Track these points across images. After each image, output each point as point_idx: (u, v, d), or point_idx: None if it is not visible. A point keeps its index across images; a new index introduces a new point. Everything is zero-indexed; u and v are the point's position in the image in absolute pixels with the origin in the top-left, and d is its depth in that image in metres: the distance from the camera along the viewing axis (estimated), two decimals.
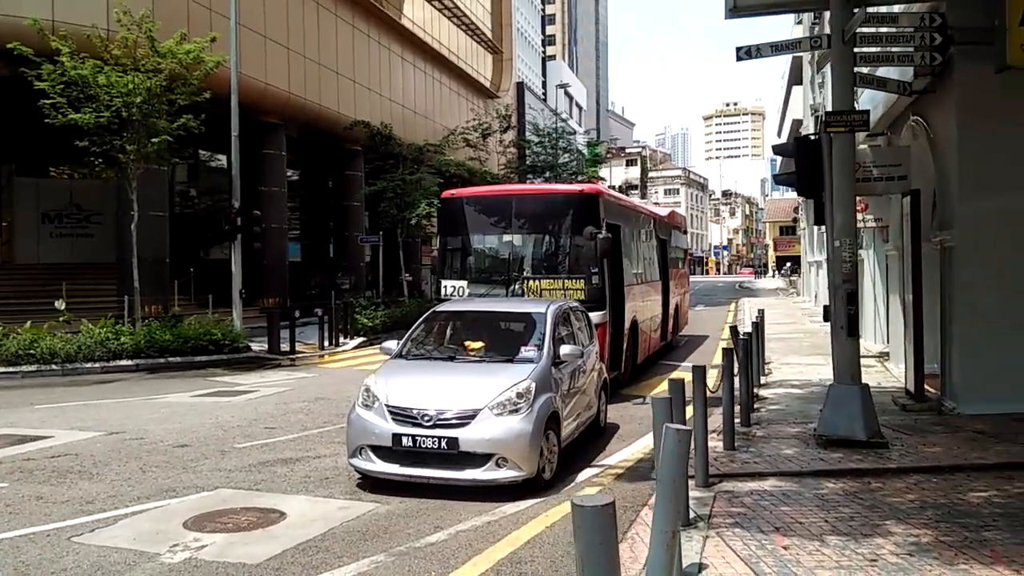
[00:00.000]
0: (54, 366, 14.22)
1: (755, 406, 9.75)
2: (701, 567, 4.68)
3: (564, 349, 7.45)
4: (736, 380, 8.40)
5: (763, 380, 12.20)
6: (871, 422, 7.90)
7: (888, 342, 14.97)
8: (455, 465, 6.34)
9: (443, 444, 6.31)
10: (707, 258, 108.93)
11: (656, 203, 23.82)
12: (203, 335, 16.11)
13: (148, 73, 15.72)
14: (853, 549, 4.99)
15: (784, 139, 42.26)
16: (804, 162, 9.05)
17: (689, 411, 10.13)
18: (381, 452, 6.51)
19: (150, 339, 15.43)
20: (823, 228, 10.10)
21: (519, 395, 6.55)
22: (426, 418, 6.42)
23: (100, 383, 13.33)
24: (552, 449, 6.80)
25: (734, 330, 10.79)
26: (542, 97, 56.78)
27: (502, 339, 8.02)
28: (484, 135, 31.82)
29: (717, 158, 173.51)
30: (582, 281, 10.93)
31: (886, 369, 13.55)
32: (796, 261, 65.01)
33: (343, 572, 4.80)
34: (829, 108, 22.84)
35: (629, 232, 13.36)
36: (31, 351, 14.24)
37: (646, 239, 15.21)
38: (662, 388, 12.60)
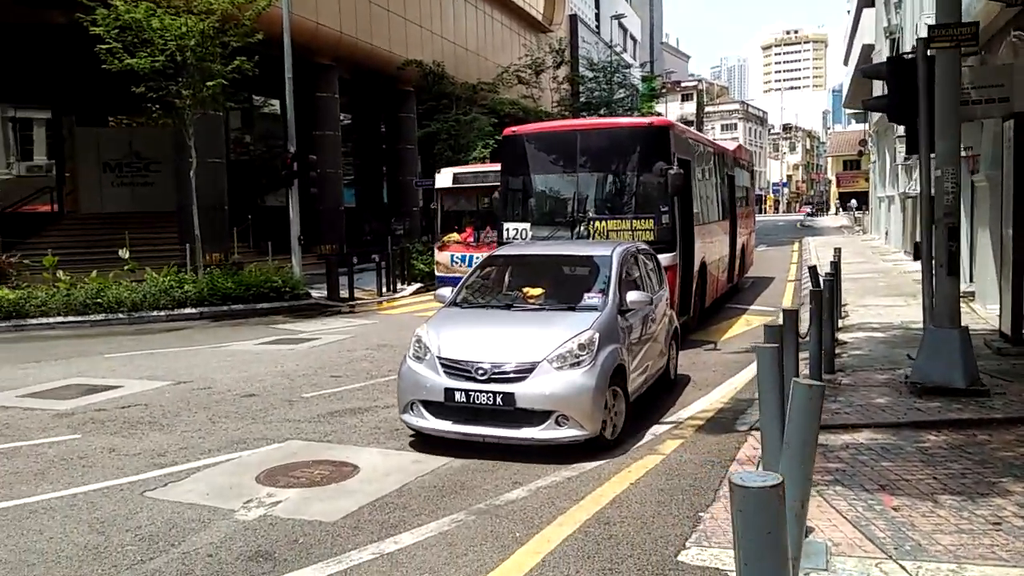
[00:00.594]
0: (120, 315, 14.41)
1: (837, 351, 9.21)
2: (807, 530, 4.31)
3: (631, 296, 6.85)
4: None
5: (841, 323, 11.59)
6: (971, 368, 7.34)
7: (972, 281, 14.11)
8: (511, 422, 5.88)
9: (498, 400, 5.85)
10: (766, 196, 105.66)
11: (715, 139, 22.76)
12: (264, 283, 16.13)
13: (201, 15, 15.44)
14: (971, 511, 4.56)
15: (852, 66, 40.05)
16: (897, 84, 8.31)
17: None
18: (433, 407, 6.10)
19: (212, 287, 15.52)
20: (914, 157, 9.35)
21: (581, 346, 6.02)
22: (480, 372, 5.95)
23: (166, 331, 13.47)
24: (618, 405, 6.29)
25: (813, 270, 10.18)
26: (595, 30, 54.84)
27: (564, 285, 7.44)
28: (537, 72, 30.91)
29: (777, 90, 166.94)
30: (651, 221, 10.41)
31: (972, 310, 12.75)
32: (861, 197, 62.62)
33: (424, 531, 4.58)
34: (908, 29, 21.46)
35: (699, 169, 12.70)
36: (98, 300, 14.45)
37: (715, 176, 14.50)
38: (732, 332, 12.15)
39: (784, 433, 2.95)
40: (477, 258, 15.63)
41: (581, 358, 5.95)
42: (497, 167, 16.19)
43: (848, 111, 58.30)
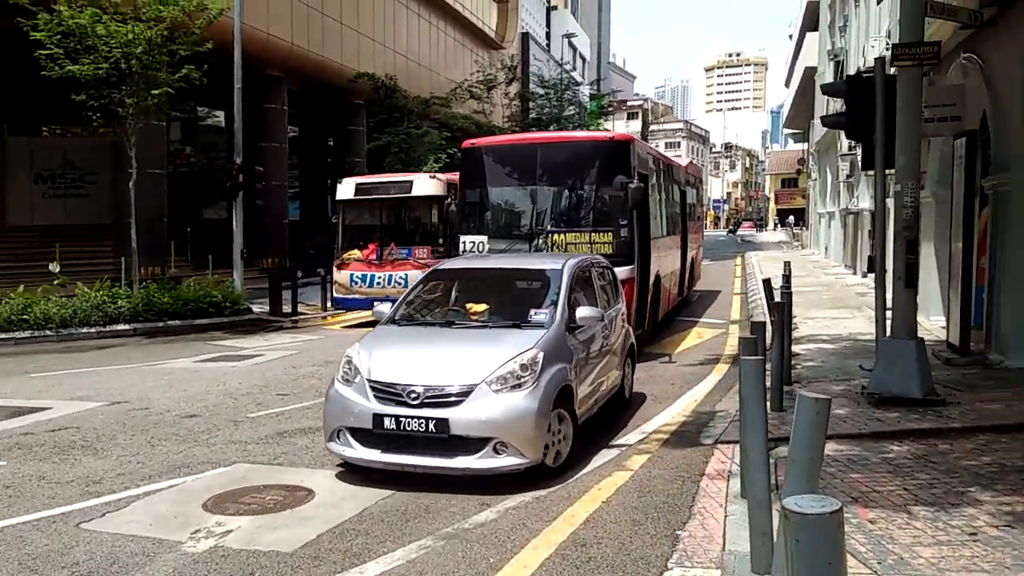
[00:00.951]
0: (48, 332, 13.64)
1: (791, 363, 9.23)
2: None
3: (582, 312, 6.39)
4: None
5: (792, 335, 11.68)
6: (927, 378, 7.44)
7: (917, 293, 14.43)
8: (446, 451, 5.37)
9: (431, 426, 5.33)
10: (707, 212, 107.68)
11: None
12: (203, 297, 15.55)
13: (149, 22, 14.90)
14: (946, 521, 4.51)
15: (793, 88, 41.18)
16: (856, 102, 8.45)
17: (718, 370, 9.84)
18: (361, 435, 5.58)
19: (148, 302, 14.84)
20: (870, 173, 9.51)
21: (523, 367, 5.53)
22: (412, 396, 5.44)
23: (98, 348, 12.80)
24: (564, 430, 5.80)
25: (767, 283, 10.22)
26: (546, 48, 55.30)
27: (511, 301, 6.95)
28: (489, 87, 30.92)
29: (719, 110, 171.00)
30: (610, 234, 10.34)
31: (917, 321, 13.01)
32: (798, 214, 64.27)
33: (390, 560, 4.30)
34: (853, 52, 22.09)
35: (656, 183, 12.73)
36: (24, 316, 13.63)
37: (668, 191, 14.57)
38: (685, 345, 12.16)
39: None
40: (379, 278, 14.83)
41: (523, 380, 5.50)
42: (404, 176, 15.61)
43: (787, 131, 59.96)
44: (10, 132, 25.26)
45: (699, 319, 15.13)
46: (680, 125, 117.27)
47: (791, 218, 66.05)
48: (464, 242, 10.96)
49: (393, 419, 5.44)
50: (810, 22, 35.04)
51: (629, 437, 6.87)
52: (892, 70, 7.61)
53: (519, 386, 5.47)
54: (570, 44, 59.86)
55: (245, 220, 18.04)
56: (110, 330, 14.11)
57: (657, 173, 13.18)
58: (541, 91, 37.57)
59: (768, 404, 7.15)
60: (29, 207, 24.48)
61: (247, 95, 18.39)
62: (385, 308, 6.97)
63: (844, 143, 23.10)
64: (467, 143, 11.73)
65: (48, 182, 24.87)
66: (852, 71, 19.79)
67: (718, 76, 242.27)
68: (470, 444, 5.35)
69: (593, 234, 10.42)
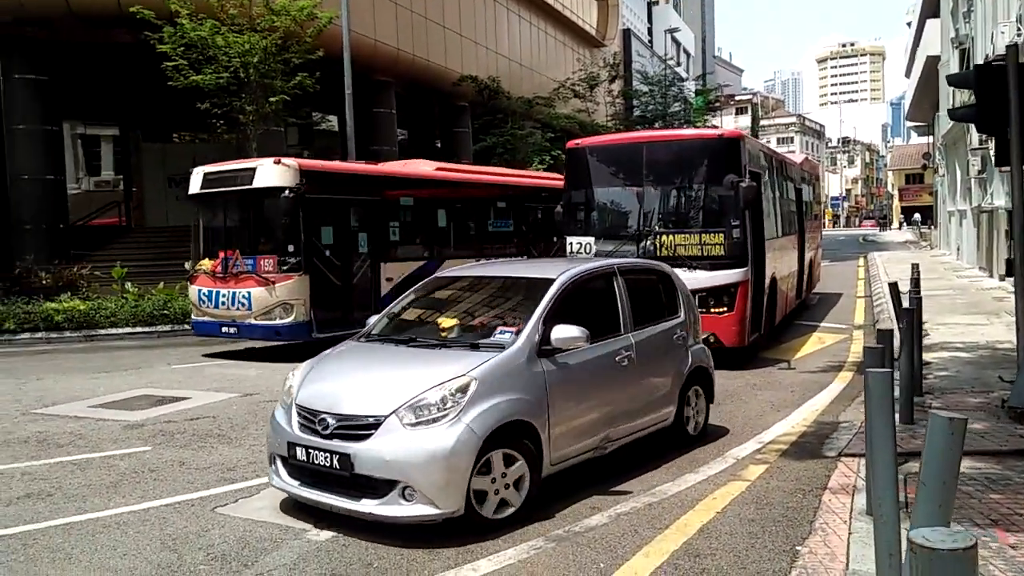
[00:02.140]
0: (186, 326, 14.57)
1: (923, 373, 8.73)
2: None
3: (559, 332, 5.19)
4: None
5: (923, 343, 11.04)
6: None
7: None
8: (352, 491, 4.68)
9: (335, 462, 4.67)
10: (825, 209, 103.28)
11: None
12: None
13: (263, 32, 15.74)
14: None
15: (914, 78, 38.87)
16: (987, 93, 7.86)
17: (841, 378, 9.40)
18: (287, 464, 5.00)
19: None
20: (1004, 169, 8.83)
21: (445, 398, 4.66)
22: (323, 425, 4.80)
23: (231, 342, 13.54)
24: (511, 475, 4.82)
25: (894, 287, 9.69)
26: (649, 44, 54.48)
27: (489, 315, 5.95)
28: (591, 86, 30.75)
29: (834, 103, 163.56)
30: (721, 235, 10.07)
31: None
32: (924, 211, 60.64)
33: (502, 559, 4.36)
34: (980, 38, 20.64)
35: (768, 181, 12.30)
36: (165, 311, 14.71)
37: (783, 189, 14.05)
38: (805, 351, 11.68)
39: (920, 470, 2.65)
40: (224, 296, 11.73)
41: (445, 412, 4.63)
42: (249, 163, 12.24)
43: (910, 124, 56.69)
44: (144, 139, 27.19)
45: (820, 323, 14.54)
46: (793, 119, 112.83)
47: (916, 215, 62.38)
48: (571, 243, 10.94)
49: (304, 449, 4.83)
50: (930, 8, 32.97)
51: (746, 447, 6.67)
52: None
53: (437, 420, 4.62)
54: (673, 39, 58.60)
55: None
56: None
57: (770, 170, 12.74)
58: (645, 88, 37.02)
59: (897, 416, 6.84)
60: (164, 209, 26.22)
61: (357, 100, 19.03)
62: (375, 319, 6.20)
63: (974, 136, 21.61)
64: (571, 143, 11.69)
65: (180, 185, 26.54)
66: (979, 60, 18.48)
67: (831, 67, 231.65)
68: (377, 486, 4.60)
69: (703, 235, 10.18)
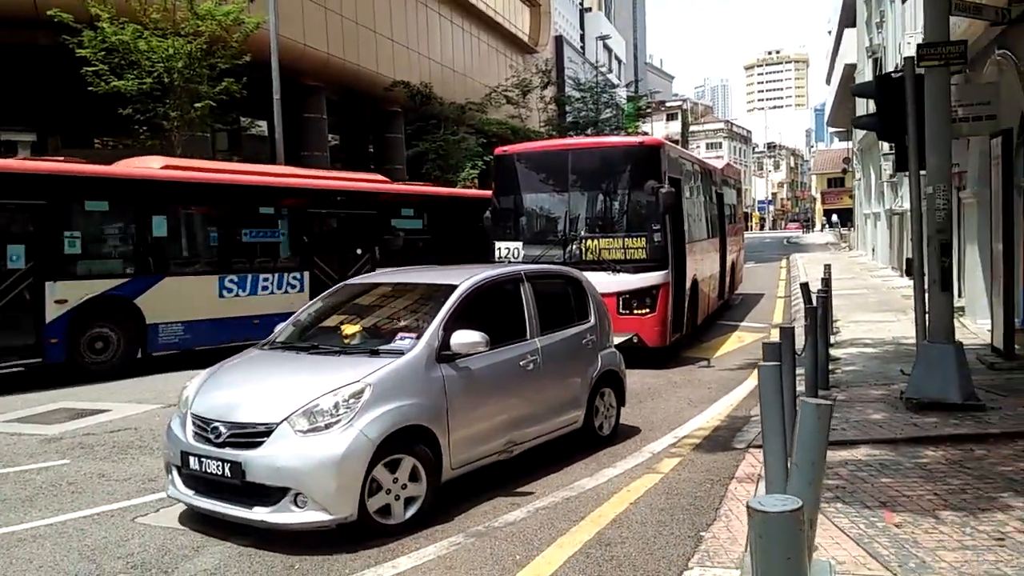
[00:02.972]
0: None
1: (830, 368, 9.23)
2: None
3: (458, 338, 5.26)
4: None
5: (833, 339, 11.63)
6: (966, 383, 7.34)
7: (962, 296, 14.21)
8: (244, 499, 4.70)
9: (227, 470, 4.67)
10: (752, 213, 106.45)
11: (700, 157, 22.81)
12: None
13: (188, 37, 15.51)
14: (974, 527, 4.53)
15: (834, 85, 40.55)
16: (886, 102, 8.41)
17: (750, 378, 9.85)
18: (181, 473, 5.02)
19: None
20: (902, 175, 9.46)
21: (338, 404, 4.69)
22: (215, 433, 4.81)
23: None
24: (400, 479, 4.84)
25: (805, 287, 10.21)
26: (581, 51, 55.36)
27: (391, 322, 6.07)
28: (524, 92, 31.13)
29: (760, 109, 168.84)
30: (643, 239, 10.44)
31: (963, 325, 12.81)
32: (845, 214, 63.17)
33: (422, 555, 4.50)
34: (891, 48, 21.76)
35: (688, 186, 12.76)
36: None
37: (704, 194, 14.57)
38: (725, 349, 12.16)
39: (791, 452, 2.91)
40: None
41: (337, 419, 4.66)
42: None
43: (832, 129, 58.99)
44: (64, 145, 26.29)
45: (740, 323, 15.11)
46: (721, 125, 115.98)
47: (834, 218, 64.88)
48: (499, 248, 11.15)
49: (197, 458, 4.83)
50: (848, 18, 34.53)
51: (662, 441, 6.97)
52: (920, 70, 7.57)
53: (329, 426, 4.64)
54: (605, 46, 59.77)
55: None
56: None
57: (691, 176, 13.22)
58: (577, 94, 37.62)
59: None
60: None
61: (287, 105, 18.90)
62: (280, 326, 6.23)
63: (885, 143, 22.72)
64: (499, 150, 11.94)
65: None
66: (890, 68, 19.49)
67: (758, 74, 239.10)
68: (269, 493, 4.63)
69: (626, 239, 10.53)
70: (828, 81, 47.88)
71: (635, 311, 10.32)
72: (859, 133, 33.25)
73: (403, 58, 29.52)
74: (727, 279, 16.61)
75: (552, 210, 11.31)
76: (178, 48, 15.31)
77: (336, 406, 4.71)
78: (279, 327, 6.22)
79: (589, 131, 34.98)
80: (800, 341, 8.07)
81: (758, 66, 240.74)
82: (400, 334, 5.49)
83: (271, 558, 4.52)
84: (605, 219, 11.05)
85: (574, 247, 10.70)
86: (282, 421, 4.68)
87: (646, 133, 46.97)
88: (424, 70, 30.38)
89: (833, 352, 10.58)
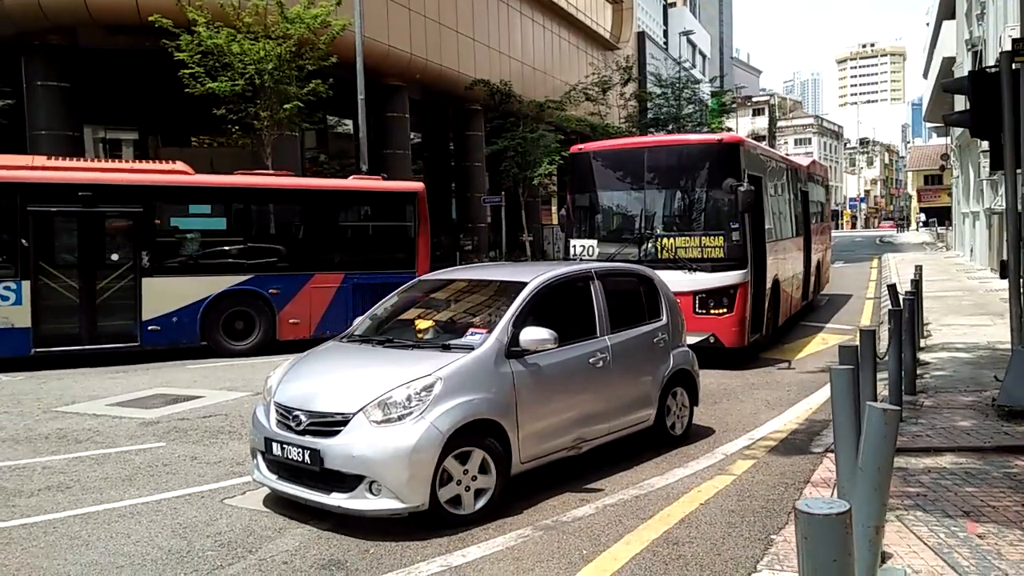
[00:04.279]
0: None
1: (918, 372, 8.89)
2: (885, 556, 4.17)
3: (528, 334, 5.36)
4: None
5: (923, 343, 11.18)
6: None
7: None
8: (323, 485, 4.91)
9: (306, 457, 4.90)
10: (843, 211, 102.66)
11: (787, 154, 22.06)
12: None
13: (278, 40, 16.11)
14: None
15: (932, 79, 38.68)
16: (980, 98, 8.03)
17: None
18: (266, 458, 5.29)
19: None
20: (999, 173, 8.97)
21: (411, 397, 4.85)
22: (296, 421, 5.03)
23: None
24: (476, 473, 4.99)
25: (893, 288, 9.83)
26: (664, 46, 54.58)
27: (463, 317, 6.21)
28: (604, 89, 30.94)
29: (853, 104, 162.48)
30: (721, 238, 10.28)
31: None
32: (943, 212, 60.21)
33: (491, 546, 4.62)
34: (992, 41, 20.65)
35: (770, 184, 12.48)
36: None
37: (787, 192, 14.20)
38: (807, 351, 11.84)
39: (859, 457, 2.88)
40: None
41: (410, 410, 4.81)
42: None
43: (929, 125, 56.36)
44: (163, 143, 27.75)
45: (825, 324, 14.68)
46: (811, 120, 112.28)
47: (921, 216, 62.00)
48: (574, 246, 11.18)
49: (279, 445, 5.07)
50: (947, 10, 32.84)
51: (736, 443, 6.88)
52: (1015, 65, 7.20)
53: (403, 418, 4.80)
54: (689, 41, 58.73)
55: None
56: None
57: (772, 174, 12.91)
58: (658, 90, 37.13)
59: None
60: None
61: (371, 104, 19.41)
62: (359, 320, 6.43)
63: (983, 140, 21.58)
64: (574, 148, 11.96)
65: None
66: (991, 62, 18.49)
67: (851, 68, 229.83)
68: (345, 480, 4.81)
69: (704, 238, 10.39)
70: (925, 75, 45.70)
71: (712, 311, 10.18)
72: (957, 129, 31.64)
73: (484, 57, 29.81)
74: (812, 279, 16.13)
75: (628, 208, 11.26)
76: (269, 51, 15.93)
77: (409, 398, 4.85)
78: (357, 320, 6.40)
79: (670, 127, 34.49)
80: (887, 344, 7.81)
81: (851, 59, 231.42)
82: (471, 329, 5.61)
83: (348, 542, 4.72)
84: (682, 217, 10.92)
85: (650, 245, 10.63)
86: (358, 411, 4.85)
87: (729, 129, 46.01)
88: (504, 68, 30.60)
89: (922, 356, 10.18)
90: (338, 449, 4.80)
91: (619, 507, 5.23)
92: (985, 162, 22.40)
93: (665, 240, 10.59)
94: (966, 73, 22.84)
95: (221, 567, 4.41)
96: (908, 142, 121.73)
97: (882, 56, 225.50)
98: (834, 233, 29.56)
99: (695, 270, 10.23)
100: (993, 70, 8.00)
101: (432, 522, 4.83)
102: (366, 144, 18.71)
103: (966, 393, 8.16)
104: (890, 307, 9.43)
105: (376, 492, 4.73)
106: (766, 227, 11.54)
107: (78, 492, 5.77)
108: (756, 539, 4.62)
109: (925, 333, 12.16)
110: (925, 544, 4.36)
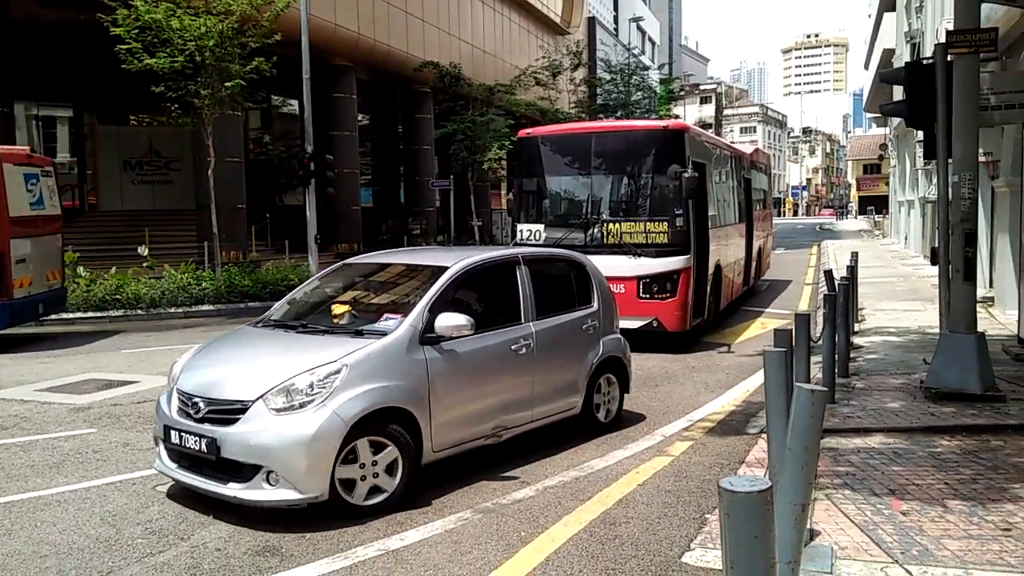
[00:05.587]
0: (139, 311, 14.60)
1: (851, 355, 9.17)
2: (813, 534, 4.30)
3: (443, 320, 5.17)
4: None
5: (857, 327, 11.53)
6: (987, 374, 7.28)
7: (992, 286, 13.96)
8: (220, 474, 4.76)
9: (203, 446, 4.76)
10: (785, 199, 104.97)
11: (732, 142, 22.42)
12: (280, 280, 16.29)
13: (220, 16, 15.63)
14: (981, 516, 4.52)
15: (872, 70, 39.70)
16: (915, 89, 8.27)
17: None
18: (167, 446, 5.11)
19: (230, 284, 15.69)
20: (932, 164, 9.30)
21: (313, 384, 4.70)
22: (196, 408, 4.90)
23: (184, 328, 13.61)
24: (380, 461, 4.83)
25: (829, 274, 10.10)
26: (614, 32, 54.75)
27: (381, 302, 6.05)
28: (554, 74, 30.91)
29: (797, 93, 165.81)
30: (665, 223, 10.40)
31: (991, 315, 12.62)
32: (881, 201, 62.12)
33: (429, 529, 4.61)
34: (929, 33, 21.26)
35: (714, 171, 12.66)
36: (117, 296, 14.65)
37: (731, 179, 14.44)
38: (747, 335, 12.09)
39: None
40: None
41: (311, 398, 4.67)
42: None
43: (868, 115, 57.87)
44: (99, 121, 26.80)
45: (765, 309, 15.01)
46: (756, 109, 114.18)
47: (852, 206, 63.88)
48: (521, 230, 11.18)
49: (178, 433, 4.93)
50: (887, 2, 33.72)
51: (675, 425, 7.00)
52: (950, 57, 7.43)
53: (303, 406, 4.65)
54: (639, 28, 59.05)
55: (319, 206, 18.74)
56: (196, 310, 15.04)
57: (716, 161, 13.10)
58: (608, 76, 37.27)
59: None
60: (120, 192, 25.97)
61: (316, 85, 19.02)
62: (277, 304, 6.28)
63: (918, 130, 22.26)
64: (522, 132, 11.95)
65: (136, 169, 26.32)
66: (929, 54, 19.05)
67: (796, 58, 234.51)
68: (243, 470, 4.68)
69: (648, 223, 10.50)
70: (867, 66, 46.83)
71: (655, 295, 10.31)
72: (895, 120, 32.58)
73: (433, 38, 29.47)
74: (753, 265, 16.47)
75: (575, 193, 11.30)
76: (210, 27, 15.43)
77: (311, 386, 4.71)
78: (276, 304, 6.22)
79: (619, 113, 34.65)
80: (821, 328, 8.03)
81: (796, 49, 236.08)
82: (386, 315, 5.46)
83: (283, 528, 4.65)
84: (627, 203, 11.02)
85: (596, 230, 10.69)
86: (257, 399, 4.71)
87: (677, 116, 46.54)
88: (454, 51, 30.30)
89: (856, 340, 10.50)
90: (235, 437, 4.67)
91: (559, 489, 5.28)
92: (920, 152, 23.14)
93: (611, 225, 10.67)
94: (903, 64, 23.50)
95: (151, 555, 4.31)
96: (849, 132, 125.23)
97: (826, 47, 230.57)
98: (776, 220, 30.27)
99: (640, 255, 10.34)
100: (928, 62, 8.25)
101: (332, 513, 4.70)
102: (311, 125, 18.34)
103: (896, 376, 8.45)
104: (826, 292, 9.76)
105: (274, 482, 4.60)
106: (709, 213, 11.71)
107: (2, 480, 5.57)
108: (691, 518, 4.71)
109: (860, 318, 12.55)
110: (852, 522, 4.50)
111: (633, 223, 10.59)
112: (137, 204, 25.12)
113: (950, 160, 7.67)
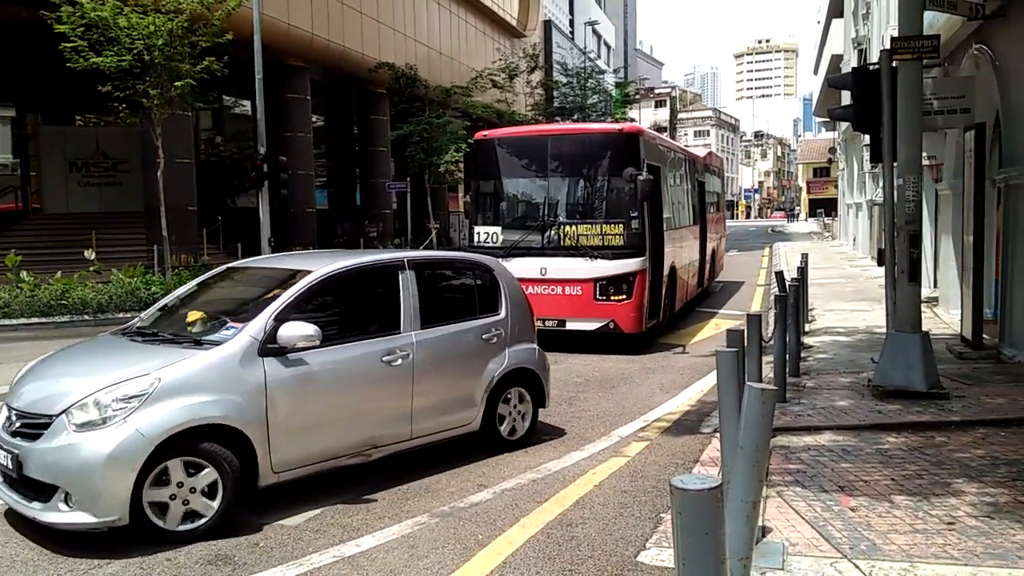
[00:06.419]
0: (86, 316, 14.18)
1: (802, 355, 9.37)
2: (764, 530, 4.38)
3: (287, 330, 4.78)
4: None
5: (807, 327, 11.79)
6: (931, 372, 7.50)
7: (936, 287, 14.40)
8: (28, 493, 4.44)
9: (8, 462, 4.46)
10: (738, 201, 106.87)
11: (686, 145, 22.75)
12: None
13: (169, 14, 15.31)
14: (926, 511, 4.65)
15: (821, 75, 40.68)
16: (862, 94, 8.51)
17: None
18: None
19: None
20: (879, 167, 9.57)
21: (118, 398, 4.34)
22: (9, 422, 4.59)
23: None
24: (196, 485, 4.45)
25: (780, 275, 10.32)
26: (570, 36, 55.13)
27: (235, 309, 5.51)
28: (511, 76, 31.02)
29: (749, 98, 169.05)
30: (620, 226, 10.51)
31: (935, 315, 13.01)
32: (830, 203, 63.65)
33: (386, 534, 4.57)
34: (875, 40, 21.86)
35: (669, 174, 12.83)
36: (63, 301, 14.21)
37: (685, 182, 14.65)
38: (701, 336, 12.27)
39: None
40: None
41: (115, 414, 4.31)
42: None
43: (818, 119, 59.25)
44: (44, 121, 26.01)
45: (719, 310, 15.24)
46: (709, 113, 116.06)
47: (798, 208, 65.43)
48: (478, 232, 11.18)
49: None
50: (836, 8, 34.62)
51: (632, 425, 7.06)
52: (894, 63, 7.66)
53: (105, 421, 4.30)
54: (594, 32, 59.53)
55: (274, 209, 18.48)
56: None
57: (671, 164, 13.28)
58: (564, 79, 37.53)
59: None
60: (65, 195, 25.23)
61: (270, 85, 18.76)
62: (149, 311, 5.92)
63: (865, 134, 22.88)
64: (479, 135, 11.97)
65: (82, 171, 25.60)
66: (875, 60, 19.59)
67: (748, 63, 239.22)
68: (45, 489, 4.35)
69: (604, 225, 10.59)
70: (816, 71, 48.00)
71: (611, 297, 10.40)
72: (844, 124, 33.43)
73: (388, 39, 29.30)
74: (707, 267, 16.73)
75: (531, 196, 11.36)
76: (158, 25, 15.11)
77: (116, 400, 4.36)
78: (149, 310, 5.91)
79: (575, 116, 34.92)
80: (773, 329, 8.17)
81: (748, 55, 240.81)
82: (229, 323, 5.05)
83: (236, 536, 4.56)
84: (583, 205, 11.10)
85: (552, 233, 10.75)
86: (60, 413, 4.37)
87: (633, 120, 46.98)
88: (410, 52, 30.17)
89: (806, 340, 10.73)
90: (36, 455, 4.34)
91: (516, 491, 5.28)
92: (867, 155, 23.76)
93: (567, 228, 10.74)
94: (851, 70, 24.11)
95: (99, 566, 4.18)
96: (799, 136, 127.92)
97: (776, 52, 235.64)
98: (729, 223, 30.80)
99: (596, 257, 10.43)
100: (874, 67, 8.49)
101: (140, 537, 4.35)
102: (264, 126, 18.09)
103: (845, 374, 8.65)
104: (776, 293, 9.97)
105: (72, 504, 4.26)
106: (664, 216, 11.86)
107: None
108: (647, 518, 4.76)
109: (810, 318, 12.83)
110: (803, 518, 4.59)
111: (589, 225, 10.67)
112: (83, 207, 24.44)
113: (895, 163, 7.91)
